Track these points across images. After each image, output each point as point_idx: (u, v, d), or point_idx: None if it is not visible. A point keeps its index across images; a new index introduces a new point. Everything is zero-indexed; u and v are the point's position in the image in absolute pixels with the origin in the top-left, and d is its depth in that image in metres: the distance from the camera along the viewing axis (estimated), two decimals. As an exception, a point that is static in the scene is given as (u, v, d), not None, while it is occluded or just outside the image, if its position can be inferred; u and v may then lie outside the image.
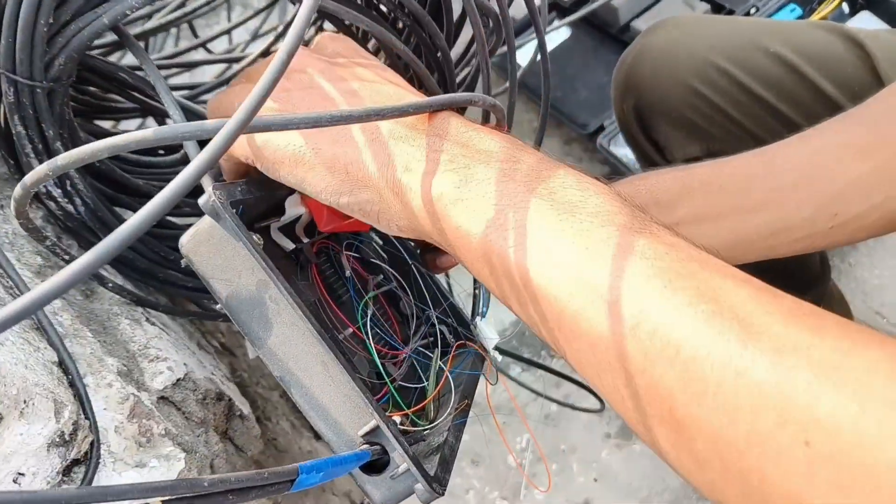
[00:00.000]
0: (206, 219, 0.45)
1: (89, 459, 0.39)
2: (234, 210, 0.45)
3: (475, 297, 0.81)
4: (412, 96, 0.42)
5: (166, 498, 0.32)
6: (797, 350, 0.26)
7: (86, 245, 0.58)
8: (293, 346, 0.46)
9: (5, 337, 0.37)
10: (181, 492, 0.33)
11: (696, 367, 0.28)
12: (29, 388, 0.35)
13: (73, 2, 0.45)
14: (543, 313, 0.34)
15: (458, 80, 0.71)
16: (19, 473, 0.35)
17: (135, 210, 0.62)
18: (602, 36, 1.48)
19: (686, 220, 0.54)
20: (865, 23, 1.32)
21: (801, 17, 1.35)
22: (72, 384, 0.40)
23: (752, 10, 1.36)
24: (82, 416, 0.39)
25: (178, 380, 0.51)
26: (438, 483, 0.47)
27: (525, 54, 1.36)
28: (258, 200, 0.50)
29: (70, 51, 0.46)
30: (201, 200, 0.44)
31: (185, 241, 0.45)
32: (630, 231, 0.32)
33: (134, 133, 0.35)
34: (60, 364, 0.41)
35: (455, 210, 0.37)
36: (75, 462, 0.39)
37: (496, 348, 0.63)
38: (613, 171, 1.40)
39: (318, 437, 0.96)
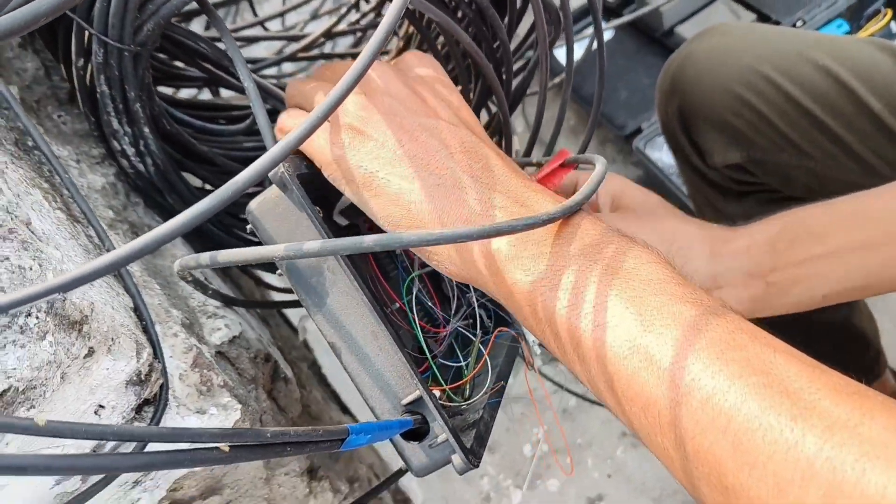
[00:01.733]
0: (274, 188, 0.47)
1: (158, 401, 0.42)
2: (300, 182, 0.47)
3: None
4: (485, 147, 0.43)
5: (235, 444, 0.35)
6: (846, 427, 0.27)
7: (151, 204, 0.61)
8: (346, 315, 0.49)
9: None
10: (248, 440, 0.35)
11: (747, 438, 0.29)
12: (116, 327, 0.37)
13: (165, -28, 0.48)
14: (597, 372, 0.36)
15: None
16: (100, 406, 0.38)
17: (197, 175, 0.65)
18: (645, 39, 1.49)
19: (841, 250, 0.54)
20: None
21: (848, 34, 1.35)
22: (145, 330, 0.43)
23: (799, 24, 1.36)
24: (155, 359, 0.42)
25: (233, 337, 0.54)
26: (474, 455, 0.49)
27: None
28: (319, 174, 0.53)
29: (159, 17, 0.49)
30: (270, 171, 0.46)
31: (252, 207, 0.47)
32: (682, 301, 0.34)
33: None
34: (136, 310, 0.44)
35: (510, 266, 0.38)
36: (146, 402, 0.42)
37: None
38: (647, 174, 1.41)
39: (344, 410, 0.99)
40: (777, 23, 1.38)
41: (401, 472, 0.63)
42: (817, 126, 0.73)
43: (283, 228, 0.48)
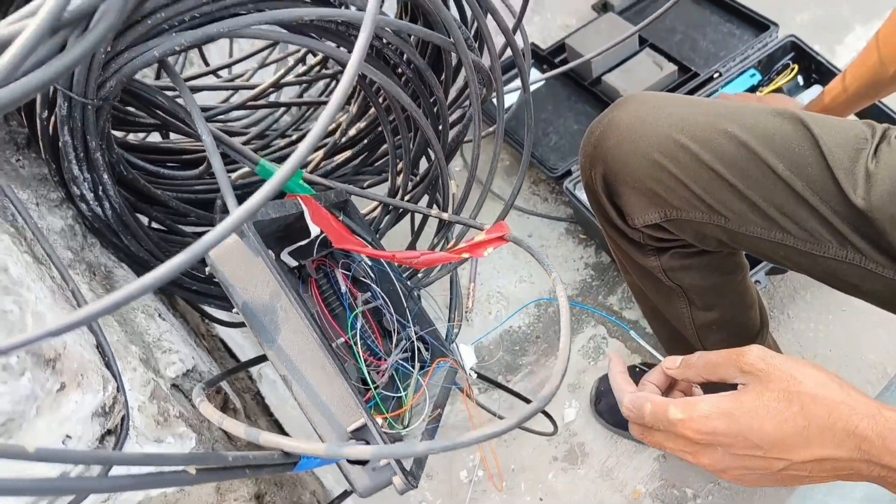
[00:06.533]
0: (232, 235, 0.52)
1: (120, 431, 0.45)
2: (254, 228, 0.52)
3: (449, 319, 0.89)
4: None
5: (200, 467, 0.39)
6: None
7: (107, 244, 0.64)
8: (297, 350, 0.53)
9: (62, 320, 0.43)
10: (211, 462, 0.39)
11: None
12: (85, 363, 0.41)
13: (129, 35, 0.52)
14: None
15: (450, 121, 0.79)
16: (67, 436, 0.41)
17: (150, 216, 0.69)
18: (575, 86, 1.58)
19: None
20: (816, 95, 1.45)
21: (760, 82, 1.48)
22: (108, 365, 0.46)
23: (716, 75, 1.48)
24: (118, 392, 0.45)
25: (187, 370, 0.57)
26: (413, 477, 0.54)
27: (506, 101, 1.45)
28: (271, 221, 0.58)
29: (121, 76, 0.53)
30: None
31: (212, 253, 0.52)
32: None
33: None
34: (98, 347, 0.47)
35: None
36: (108, 432, 0.45)
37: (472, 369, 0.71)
38: (576, 213, 1.49)
39: (286, 440, 1.02)
40: (696, 74, 1.49)
41: (345, 494, 0.67)
42: (727, 187, 0.80)
43: (240, 271, 0.52)
